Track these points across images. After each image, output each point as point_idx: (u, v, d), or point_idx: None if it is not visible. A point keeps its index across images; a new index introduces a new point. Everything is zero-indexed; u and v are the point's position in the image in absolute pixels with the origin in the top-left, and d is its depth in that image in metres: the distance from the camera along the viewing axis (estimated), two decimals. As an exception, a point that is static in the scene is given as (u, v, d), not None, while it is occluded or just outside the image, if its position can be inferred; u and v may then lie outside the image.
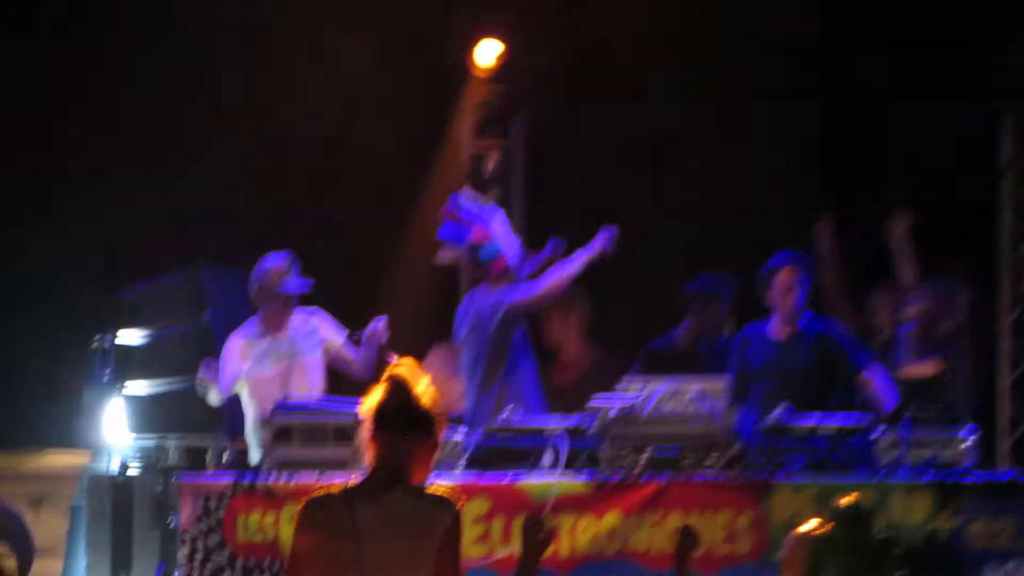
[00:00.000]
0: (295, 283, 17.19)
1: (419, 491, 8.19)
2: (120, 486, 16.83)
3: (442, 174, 22.55)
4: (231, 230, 21.60)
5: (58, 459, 20.42)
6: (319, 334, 17.51)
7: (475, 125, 22.57)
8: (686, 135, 21.73)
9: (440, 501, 8.30)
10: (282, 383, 16.91)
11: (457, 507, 8.18)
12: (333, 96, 22.57)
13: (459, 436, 15.00)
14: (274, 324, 17.23)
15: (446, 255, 20.21)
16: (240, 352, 17.19)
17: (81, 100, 23.47)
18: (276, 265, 17.30)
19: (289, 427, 15.13)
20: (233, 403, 17.43)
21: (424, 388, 8.24)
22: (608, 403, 14.91)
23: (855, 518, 11.88)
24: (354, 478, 8.58)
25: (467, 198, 18.52)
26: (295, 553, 8.18)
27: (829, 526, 11.71)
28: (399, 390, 8.21)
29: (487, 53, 22.30)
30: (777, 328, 16.95)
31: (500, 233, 17.59)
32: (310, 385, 17.10)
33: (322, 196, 22.44)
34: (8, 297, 22.57)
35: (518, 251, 17.66)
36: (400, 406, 8.14)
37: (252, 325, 17.34)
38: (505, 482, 14.70)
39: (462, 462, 14.87)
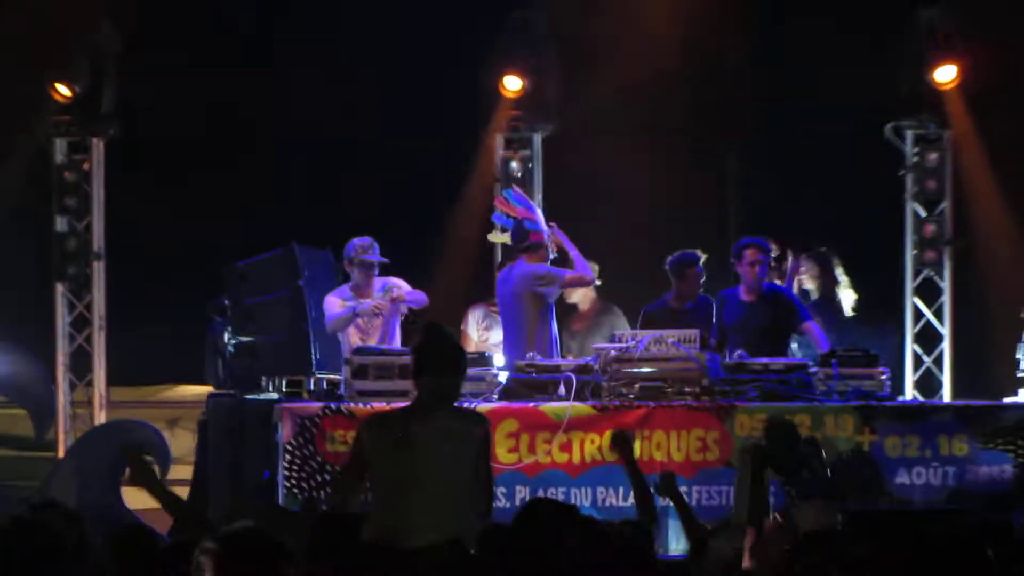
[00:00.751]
0: (374, 257, 19.38)
1: (459, 411, 11.07)
2: (235, 410, 18.39)
3: (480, 174, 24.58)
4: (317, 217, 24.15)
5: (188, 390, 23.20)
6: (396, 287, 19.69)
7: (505, 138, 24.72)
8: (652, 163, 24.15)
9: (475, 418, 11.27)
10: (364, 332, 19.29)
11: (488, 423, 11.18)
12: (402, 116, 25.44)
13: (495, 372, 17.62)
14: (361, 288, 19.27)
15: (496, 235, 21.29)
16: (336, 308, 19.39)
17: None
18: (361, 243, 19.51)
19: (365, 365, 17.32)
20: (323, 347, 19.88)
21: (453, 334, 11.20)
22: (608, 347, 17.66)
23: (783, 431, 13.91)
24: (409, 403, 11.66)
25: (517, 191, 20.51)
26: (355, 455, 11.01)
27: (766, 438, 13.99)
28: (436, 336, 10.92)
29: (513, 85, 24.28)
30: (745, 293, 19.48)
31: (538, 217, 19.49)
32: (386, 334, 19.49)
33: (391, 190, 25.03)
34: (151, 267, 24.78)
35: (545, 232, 19.37)
36: (437, 348, 10.79)
37: (345, 289, 19.43)
38: (530, 407, 16.84)
39: (497, 392, 17.18)
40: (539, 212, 20.38)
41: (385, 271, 19.95)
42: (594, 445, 16.87)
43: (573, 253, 19.71)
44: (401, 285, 19.66)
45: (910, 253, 23.98)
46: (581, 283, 19.86)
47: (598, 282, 20.70)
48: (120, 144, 24.61)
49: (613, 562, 8.55)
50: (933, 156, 24.58)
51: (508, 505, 15.68)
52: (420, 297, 19.90)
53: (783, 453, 13.57)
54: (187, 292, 22.66)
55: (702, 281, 20.43)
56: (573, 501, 16.08)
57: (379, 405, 16.14)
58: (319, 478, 16.98)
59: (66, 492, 20.35)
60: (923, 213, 24.40)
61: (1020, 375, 19.13)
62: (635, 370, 17.43)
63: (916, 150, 24.80)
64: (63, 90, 23.67)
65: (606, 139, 24.44)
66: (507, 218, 20.11)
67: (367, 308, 19.27)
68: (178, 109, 25.47)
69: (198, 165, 25.79)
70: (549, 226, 19.98)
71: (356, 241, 19.64)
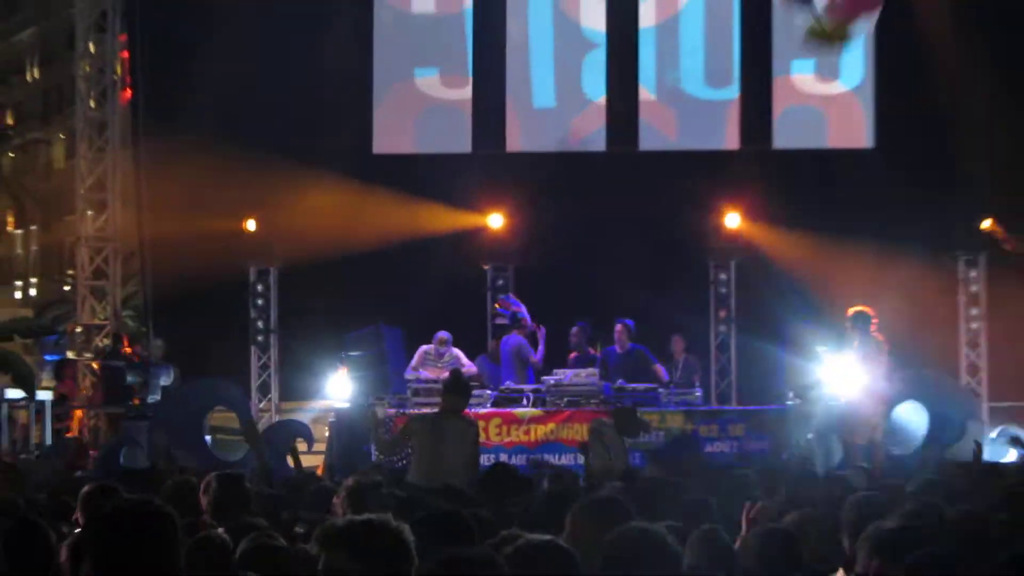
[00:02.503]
0: (446, 349, 24.75)
1: (463, 417, 17.09)
2: (349, 415, 24.40)
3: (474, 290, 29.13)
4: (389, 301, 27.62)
5: (322, 403, 26.79)
6: (457, 358, 24.89)
7: (491, 261, 29.07)
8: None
9: (471, 421, 17.57)
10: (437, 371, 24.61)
11: (477, 425, 17.87)
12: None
13: (487, 393, 24.24)
14: (437, 353, 24.81)
15: (499, 320, 26.87)
16: (419, 358, 25.05)
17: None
18: (443, 335, 25.04)
19: (419, 389, 24.05)
20: (397, 381, 25.15)
21: (464, 373, 19.47)
22: (552, 378, 24.46)
23: (625, 413, 20.27)
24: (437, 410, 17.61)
25: (513, 298, 26.63)
26: (402, 434, 17.52)
27: (612, 417, 20.41)
28: (454, 377, 17.84)
29: (497, 222, 28.47)
30: (618, 348, 25.48)
31: (526, 313, 25.54)
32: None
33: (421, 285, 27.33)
34: (304, 336, 28.76)
35: (530, 321, 25.69)
36: (454, 384, 17.13)
37: (428, 347, 25.00)
38: (507, 411, 23.85)
39: (488, 404, 23.89)
40: (524, 308, 26.24)
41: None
42: (541, 431, 23.55)
43: (541, 345, 25.94)
44: (460, 357, 25.15)
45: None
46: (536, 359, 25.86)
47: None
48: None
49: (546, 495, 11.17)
50: None
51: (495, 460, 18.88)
52: (472, 368, 25.19)
53: (623, 424, 19.52)
54: (325, 345, 26.93)
55: (628, 337, 25.51)
56: (532, 459, 21.88)
57: (425, 411, 20.51)
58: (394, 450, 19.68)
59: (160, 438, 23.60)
60: None
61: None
62: (564, 390, 24.13)
63: None
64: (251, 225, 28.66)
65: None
66: (507, 310, 26.21)
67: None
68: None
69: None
70: (537, 326, 26.09)
71: (441, 333, 25.26)
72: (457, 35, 29.64)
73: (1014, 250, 26.84)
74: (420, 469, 16.01)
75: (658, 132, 29.69)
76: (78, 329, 30.83)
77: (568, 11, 29.85)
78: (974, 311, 28.21)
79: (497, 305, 27.15)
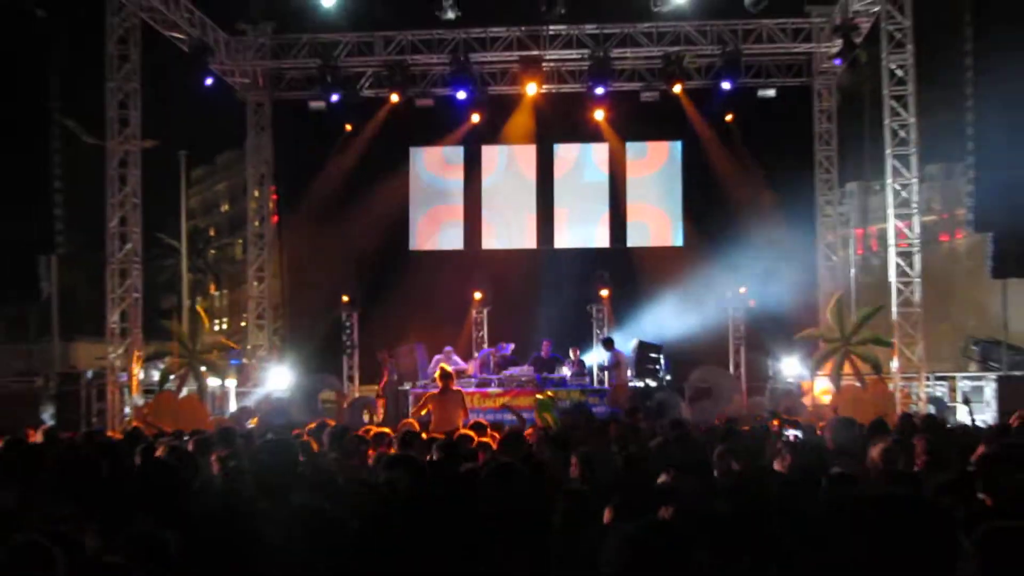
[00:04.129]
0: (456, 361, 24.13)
1: (455, 391, 17.65)
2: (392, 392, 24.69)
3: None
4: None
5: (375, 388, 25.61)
6: (456, 360, 24.40)
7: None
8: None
9: (460, 392, 18.15)
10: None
11: (462, 395, 18.03)
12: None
13: (473, 379, 24.08)
14: (446, 358, 24.04)
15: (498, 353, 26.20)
16: (434, 361, 24.20)
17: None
18: (447, 349, 24.77)
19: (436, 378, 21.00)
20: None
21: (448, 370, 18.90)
22: (507, 372, 24.55)
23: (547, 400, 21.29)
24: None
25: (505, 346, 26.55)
26: (425, 402, 17.32)
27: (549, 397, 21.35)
28: (444, 374, 17.82)
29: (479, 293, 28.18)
30: (543, 354, 25.19)
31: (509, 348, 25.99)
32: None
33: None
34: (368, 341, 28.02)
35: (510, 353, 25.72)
36: (445, 374, 17.33)
37: (438, 357, 24.34)
38: (484, 390, 23.70)
39: (473, 386, 23.46)
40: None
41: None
42: (500, 400, 23.08)
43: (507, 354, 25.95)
44: (458, 360, 24.81)
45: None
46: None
47: None
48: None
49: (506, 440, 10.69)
50: None
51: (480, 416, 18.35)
52: (463, 365, 24.90)
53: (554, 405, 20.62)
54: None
55: (549, 348, 25.71)
56: (495, 417, 20.05)
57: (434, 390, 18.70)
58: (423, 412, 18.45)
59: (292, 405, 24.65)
60: None
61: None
62: (513, 379, 24.26)
63: None
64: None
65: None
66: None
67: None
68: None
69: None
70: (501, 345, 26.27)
71: (447, 348, 25.23)
72: (455, 189, 30.51)
73: None
74: (437, 422, 16.63)
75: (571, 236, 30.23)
76: (249, 347, 31.22)
77: (514, 171, 30.29)
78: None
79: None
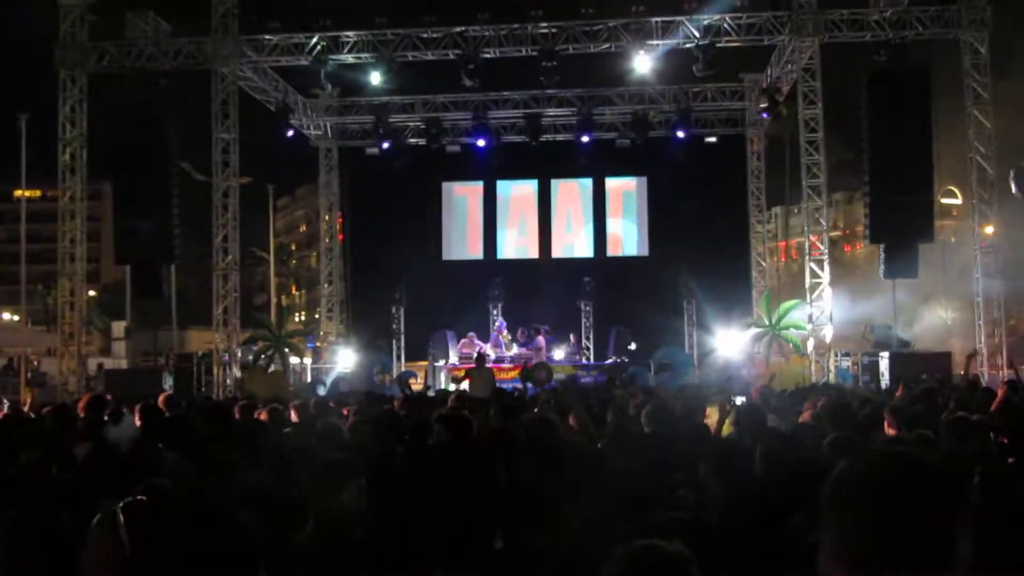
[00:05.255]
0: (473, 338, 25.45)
1: (486, 367, 18.29)
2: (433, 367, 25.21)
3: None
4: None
5: (421, 363, 26.00)
6: (477, 343, 24.59)
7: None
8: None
9: (489, 369, 18.44)
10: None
11: (492, 372, 18.18)
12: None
13: (491, 357, 23.50)
14: (470, 341, 24.69)
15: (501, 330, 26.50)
16: (461, 343, 25.11)
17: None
18: (470, 334, 25.05)
19: (469, 355, 23.84)
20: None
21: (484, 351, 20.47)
22: (516, 351, 25.17)
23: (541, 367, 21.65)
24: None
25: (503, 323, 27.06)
26: (466, 373, 17.97)
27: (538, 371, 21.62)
28: (479, 358, 18.98)
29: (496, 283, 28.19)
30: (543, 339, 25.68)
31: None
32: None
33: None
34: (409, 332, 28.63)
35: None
36: (479, 356, 19.22)
37: (464, 340, 24.98)
38: (499, 365, 23.45)
39: (491, 362, 22.81)
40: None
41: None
42: (513, 374, 22.39)
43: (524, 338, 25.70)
44: (479, 343, 24.80)
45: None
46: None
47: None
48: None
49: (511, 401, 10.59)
50: None
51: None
52: (484, 347, 24.50)
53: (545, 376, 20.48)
54: (421, 342, 26.76)
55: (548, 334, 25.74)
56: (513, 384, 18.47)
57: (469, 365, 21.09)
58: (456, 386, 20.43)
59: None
60: None
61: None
62: (520, 356, 24.67)
63: None
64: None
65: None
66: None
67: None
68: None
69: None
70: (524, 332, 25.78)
71: (471, 333, 25.32)
72: (477, 213, 30.79)
73: None
74: (472, 388, 16.67)
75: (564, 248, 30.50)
76: (321, 333, 31.13)
77: (522, 199, 30.53)
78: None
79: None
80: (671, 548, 2.56)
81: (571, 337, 26.83)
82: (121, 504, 3.67)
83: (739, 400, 8.52)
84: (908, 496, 1.89)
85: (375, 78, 24.26)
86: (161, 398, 10.71)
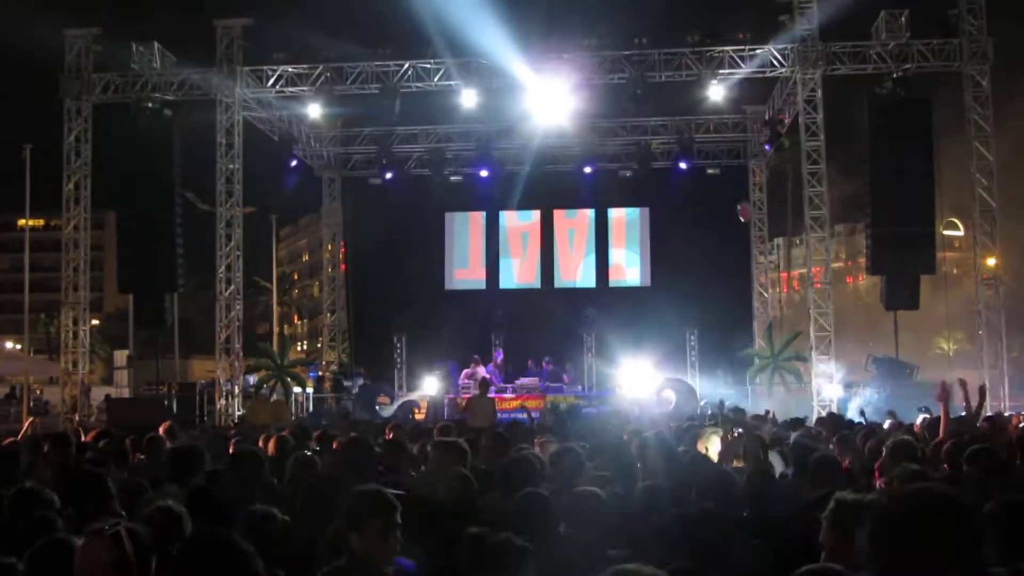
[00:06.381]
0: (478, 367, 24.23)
1: (488, 397, 18.09)
2: (433, 401, 24.65)
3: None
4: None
5: (420, 393, 25.97)
6: (481, 374, 23.43)
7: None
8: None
9: (491, 399, 18.22)
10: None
11: (495, 402, 18.41)
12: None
13: (493, 387, 22.84)
14: (473, 370, 24.20)
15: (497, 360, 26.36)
16: (464, 373, 24.74)
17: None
18: (475, 359, 24.74)
19: (468, 385, 23.65)
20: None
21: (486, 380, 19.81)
22: (519, 381, 24.83)
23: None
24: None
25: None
26: (467, 400, 18.80)
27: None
28: (484, 380, 19.13)
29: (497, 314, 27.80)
30: (547, 368, 24.98)
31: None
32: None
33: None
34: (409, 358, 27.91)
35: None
36: (483, 383, 18.58)
37: (467, 371, 24.54)
38: (501, 395, 23.07)
39: (492, 391, 22.18)
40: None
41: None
42: (514, 404, 23.00)
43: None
44: (483, 372, 24.09)
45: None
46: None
47: None
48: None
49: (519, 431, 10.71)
50: None
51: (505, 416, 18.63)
52: (487, 374, 23.64)
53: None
54: (422, 373, 26.41)
55: (551, 364, 25.47)
56: (512, 416, 19.36)
57: (467, 394, 21.65)
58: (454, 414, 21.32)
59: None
60: None
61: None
62: (523, 386, 24.57)
63: None
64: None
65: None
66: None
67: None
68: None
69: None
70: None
71: (474, 357, 25.08)
72: (479, 243, 30.43)
73: None
74: (473, 418, 16.53)
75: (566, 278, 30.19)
76: (324, 362, 31.40)
77: (524, 229, 30.33)
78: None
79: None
80: (648, 572, 2.65)
81: (569, 368, 26.55)
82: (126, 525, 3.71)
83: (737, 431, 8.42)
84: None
85: (380, 104, 24.31)
86: (162, 428, 10.64)
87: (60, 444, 8.42)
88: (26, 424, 15.60)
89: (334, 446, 8.75)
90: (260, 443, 9.06)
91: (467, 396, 21.96)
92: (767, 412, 15.42)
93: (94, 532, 3.67)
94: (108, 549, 3.55)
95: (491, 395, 21.21)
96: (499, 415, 19.24)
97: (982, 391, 9.82)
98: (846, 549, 3.57)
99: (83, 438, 9.84)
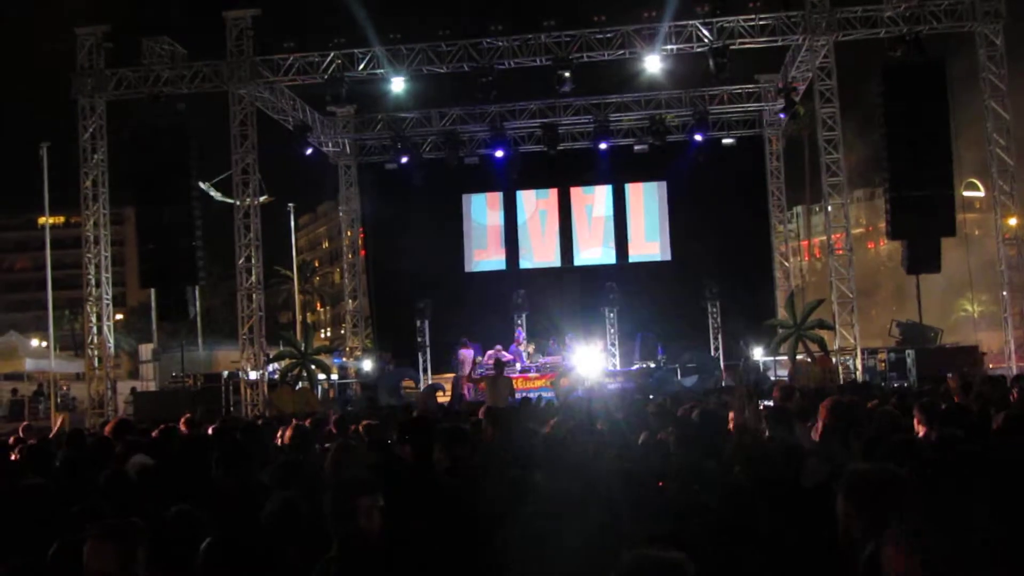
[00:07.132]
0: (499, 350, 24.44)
1: (505, 376, 18.32)
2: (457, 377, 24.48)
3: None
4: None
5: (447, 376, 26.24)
6: (502, 353, 23.97)
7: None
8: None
9: (508, 378, 18.83)
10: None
11: (511, 381, 19.00)
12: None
13: (516, 366, 23.81)
14: (496, 351, 24.31)
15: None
16: (487, 354, 24.82)
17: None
18: (497, 347, 24.52)
19: (490, 365, 23.16)
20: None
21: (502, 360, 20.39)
22: (541, 361, 24.85)
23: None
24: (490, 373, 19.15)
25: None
26: (482, 379, 19.40)
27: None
28: (499, 361, 20.08)
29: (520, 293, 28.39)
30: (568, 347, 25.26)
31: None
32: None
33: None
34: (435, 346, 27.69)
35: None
36: (498, 364, 19.49)
37: (490, 352, 24.47)
38: (522, 375, 23.81)
39: (517, 371, 23.43)
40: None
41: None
42: (539, 383, 23.35)
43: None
44: (504, 353, 24.24)
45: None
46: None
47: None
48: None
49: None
50: None
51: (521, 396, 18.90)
52: (508, 356, 24.31)
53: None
54: (445, 355, 26.35)
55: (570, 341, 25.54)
56: (536, 393, 19.66)
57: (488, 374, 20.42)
58: (472, 394, 21.51)
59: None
60: None
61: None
62: (545, 364, 24.64)
63: None
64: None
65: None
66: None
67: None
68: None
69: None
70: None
71: (498, 347, 24.68)
72: (497, 224, 30.60)
73: None
74: (490, 398, 16.68)
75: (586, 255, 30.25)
76: (348, 348, 31.35)
77: (541, 208, 30.47)
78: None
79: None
80: (671, 556, 2.58)
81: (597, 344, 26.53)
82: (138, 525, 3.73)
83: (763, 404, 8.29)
84: None
85: (397, 85, 24.26)
86: (183, 420, 10.70)
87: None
88: (59, 420, 16.38)
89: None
90: (280, 432, 8.96)
91: (484, 375, 22.02)
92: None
93: (100, 530, 3.67)
94: (116, 549, 3.56)
95: (513, 376, 21.67)
96: (522, 394, 19.45)
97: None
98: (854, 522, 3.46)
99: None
